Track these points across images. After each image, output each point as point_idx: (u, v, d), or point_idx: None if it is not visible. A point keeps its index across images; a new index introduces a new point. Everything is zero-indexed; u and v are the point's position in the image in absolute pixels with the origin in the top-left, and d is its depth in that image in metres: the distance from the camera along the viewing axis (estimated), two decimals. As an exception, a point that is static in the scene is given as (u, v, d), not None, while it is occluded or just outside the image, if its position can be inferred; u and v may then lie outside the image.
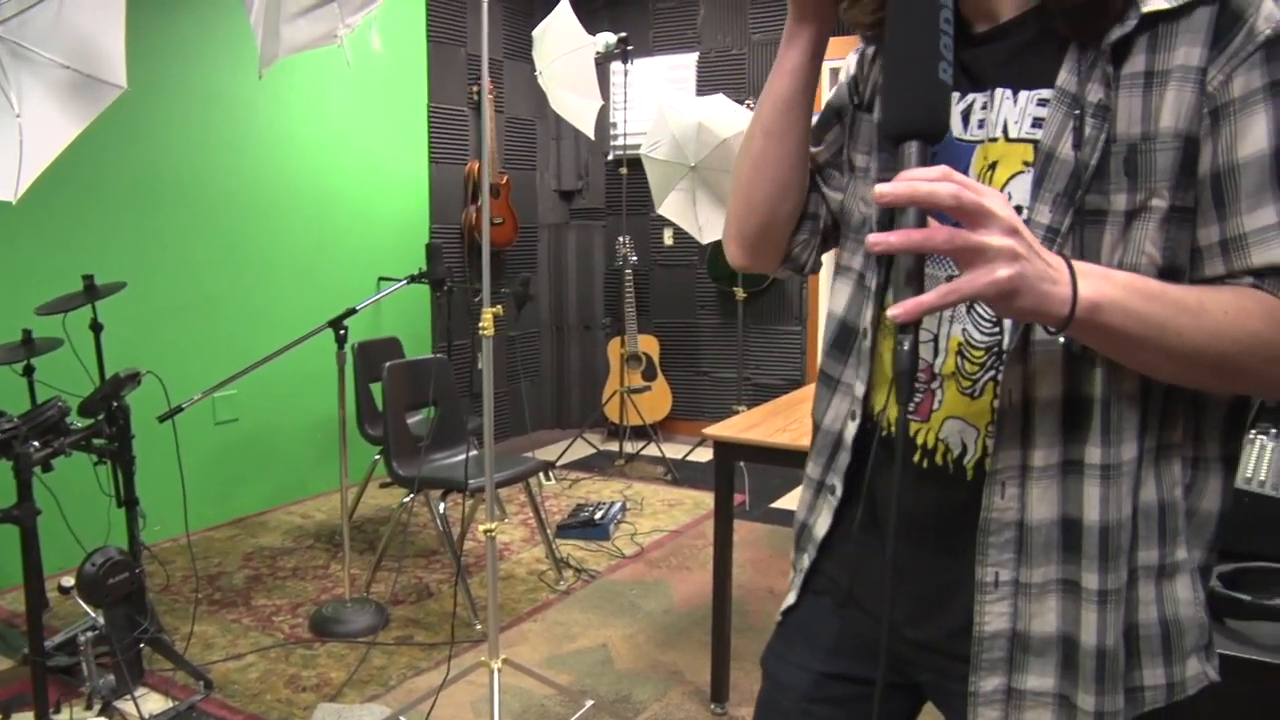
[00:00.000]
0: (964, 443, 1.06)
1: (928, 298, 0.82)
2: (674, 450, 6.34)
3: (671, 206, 5.41)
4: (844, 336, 1.21)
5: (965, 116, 1.05)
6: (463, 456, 3.98)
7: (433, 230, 6.07)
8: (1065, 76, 0.96)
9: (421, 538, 4.70)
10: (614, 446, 6.42)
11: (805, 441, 2.78)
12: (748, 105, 5.87)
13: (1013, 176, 1.00)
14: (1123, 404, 0.97)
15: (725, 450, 2.99)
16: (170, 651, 3.19)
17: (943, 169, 0.82)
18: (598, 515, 4.80)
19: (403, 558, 4.37)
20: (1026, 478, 1.00)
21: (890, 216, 0.85)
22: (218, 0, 4.69)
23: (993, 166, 1.02)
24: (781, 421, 3.05)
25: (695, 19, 6.63)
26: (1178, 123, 0.91)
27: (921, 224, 0.83)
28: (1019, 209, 0.97)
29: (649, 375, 6.48)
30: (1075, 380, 0.98)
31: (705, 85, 6.53)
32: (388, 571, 4.21)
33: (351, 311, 3.62)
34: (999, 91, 1.02)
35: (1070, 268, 0.87)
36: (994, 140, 1.02)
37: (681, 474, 5.92)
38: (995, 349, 1.02)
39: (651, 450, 6.30)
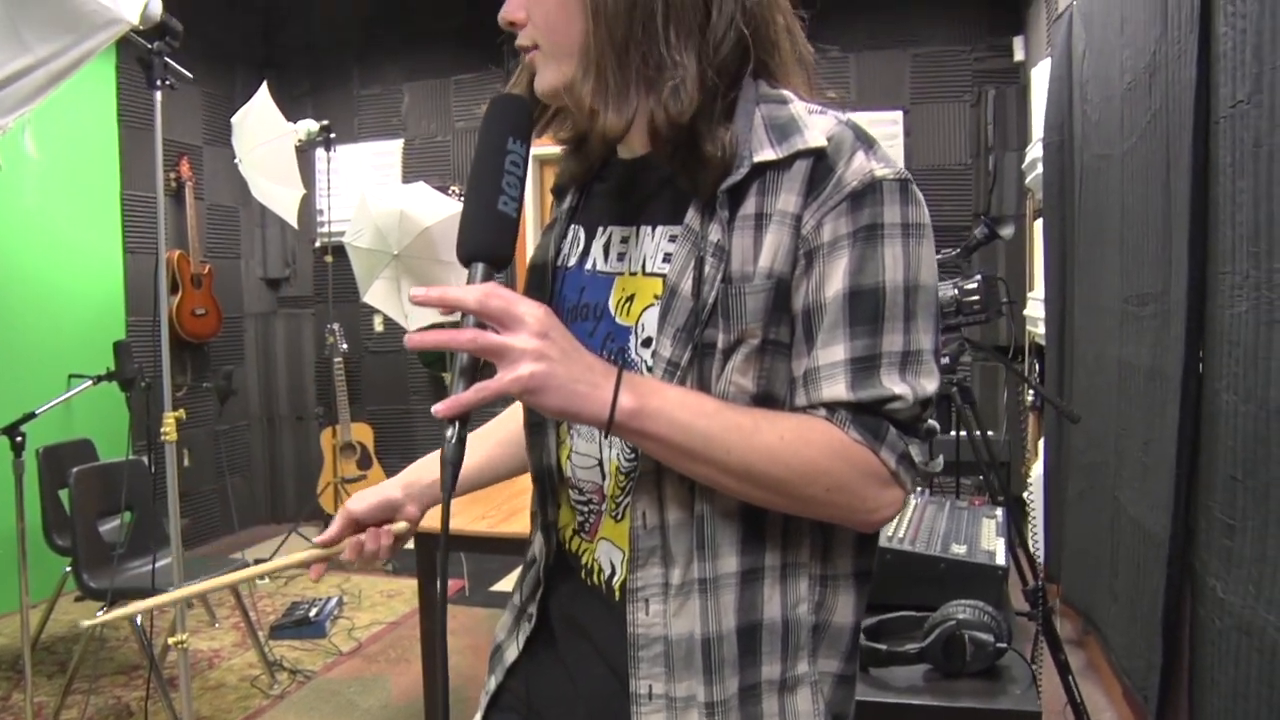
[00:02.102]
0: (612, 563, 1.10)
1: (465, 395, 0.89)
2: (394, 539, 6.22)
3: (377, 295, 5.40)
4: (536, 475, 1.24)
5: (605, 249, 1.12)
6: (163, 563, 3.78)
7: (129, 324, 5.74)
8: (692, 214, 1.01)
9: (122, 652, 4.39)
10: (331, 539, 6.22)
11: (504, 528, 2.84)
12: (452, 192, 5.96)
13: (646, 308, 1.04)
14: (718, 520, 1.01)
15: (425, 540, 2.98)
16: None
17: (490, 285, 0.91)
18: (312, 613, 4.65)
19: (98, 677, 4.06)
20: (668, 595, 1.02)
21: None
22: None
23: (630, 298, 1.06)
24: (481, 509, 3.06)
25: (400, 106, 6.68)
26: (773, 264, 0.97)
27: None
28: (650, 340, 1.02)
29: (364, 464, 6.35)
30: (693, 499, 1.01)
31: (411, 172, 6.57)
32: (81, 695, 3.89)
33: (30, 416, 3.40)
34: (642, 228, 1.08)
35: (619, 376, 0.93)
36: (634, 274, 1.07)
37: (401, 563, 5.80)
38: (633, 473, 1.05)
39: (371, 540, 6.14)
